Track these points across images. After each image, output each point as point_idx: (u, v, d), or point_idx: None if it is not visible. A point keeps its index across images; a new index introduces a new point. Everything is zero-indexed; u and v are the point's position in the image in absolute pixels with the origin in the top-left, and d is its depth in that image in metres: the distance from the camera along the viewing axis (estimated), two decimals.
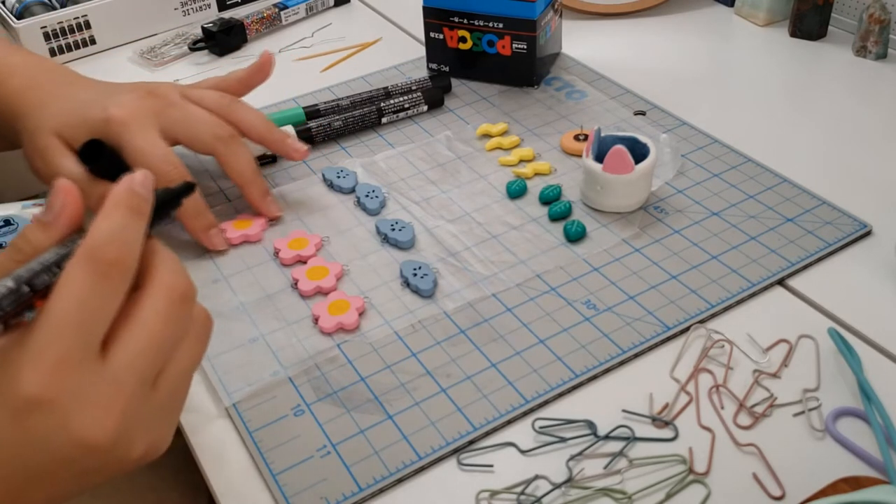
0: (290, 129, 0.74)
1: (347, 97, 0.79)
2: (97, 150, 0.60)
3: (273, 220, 0.67)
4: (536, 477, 0.47)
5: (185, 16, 0.98)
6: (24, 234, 0.39)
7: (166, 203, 0.41)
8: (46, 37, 0.90)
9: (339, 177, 0.70)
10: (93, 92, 0.63)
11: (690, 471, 0.47)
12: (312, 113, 0.77)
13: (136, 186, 0.39)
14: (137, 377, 0.38)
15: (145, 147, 0.60)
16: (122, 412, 0.37)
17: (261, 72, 0.70)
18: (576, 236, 0.63)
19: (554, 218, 0.65)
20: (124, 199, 0.38)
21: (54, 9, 0.93)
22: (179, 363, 0.40)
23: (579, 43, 0.89)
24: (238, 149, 0.64)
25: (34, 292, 0.36)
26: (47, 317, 0.36)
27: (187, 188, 0.43)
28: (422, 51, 0.86)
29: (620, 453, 0.48)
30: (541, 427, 0.50)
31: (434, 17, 0.81)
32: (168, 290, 0.39)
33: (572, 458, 0.48)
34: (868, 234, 0.63)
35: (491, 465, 0.49)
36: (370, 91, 0.79)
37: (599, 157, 0.64)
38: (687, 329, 0.56)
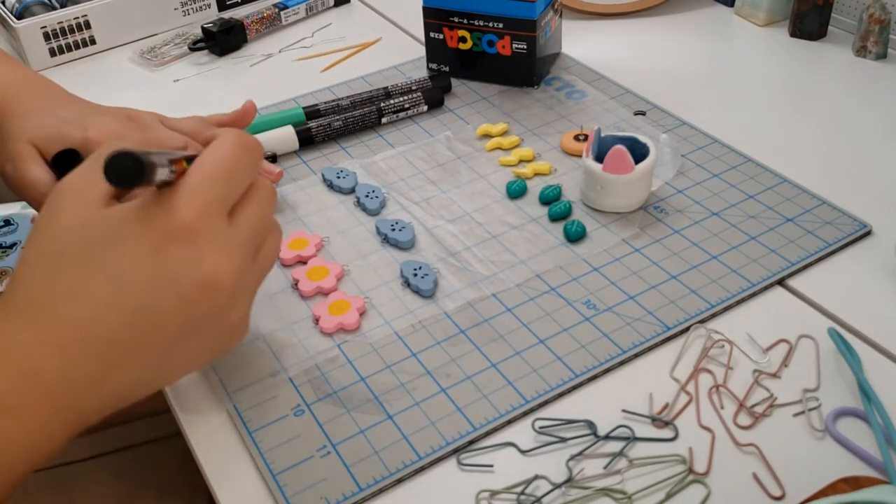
0: (289, 128, 0.74)
1: (347, 97, 0.79)
2: (71, 159, 0.60)
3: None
4: (536, 477, 0.47)
5: (185, 16, 0.98)
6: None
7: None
8: (46, 37, 0.90)
9: (338, 177, 0.70)
10: (74, 110, 0.63)
11: (690, 471, 0.47)
12: (312, 113, 0.77)
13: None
14: (252, 243, 0.46)
15: None
16: (240, 265, 0.44)
17: (241, 119, 0.70)
18: (576, 236, 0.63)
19: (554, 218, 0.65)
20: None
21: (54, 9, 0.93)
22: (269, 247, 0.48)
23: (579, 43, 0.89)
24: None
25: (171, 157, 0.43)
26: (202, 166, 0.43)
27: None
28: (422, 51, 0.86)
29: (620, 453, 0.48)
30: (541, 427, 0.50)
31: (434, 17, 0.81)
32: (268, 191, 0.48)
33: (572, 458, 0.48)
34: (868, 234, 0.63)
35: (491, 465, 0.49)
36: (370, 91, 0.79)
37: (599, 157, 0.64)
38: (687, 329, 0.56)
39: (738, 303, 0.58)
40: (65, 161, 0.59)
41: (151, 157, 0.40)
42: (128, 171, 0.39)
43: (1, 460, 0.39)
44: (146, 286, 0.41)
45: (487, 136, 0.75)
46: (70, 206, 0.43)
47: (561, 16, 0.85)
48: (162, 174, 0.41)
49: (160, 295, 0.41)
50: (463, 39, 0.81)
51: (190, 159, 0.44)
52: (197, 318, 0.43)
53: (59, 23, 0.90)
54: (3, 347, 0.40)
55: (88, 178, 0.44)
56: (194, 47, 0.92)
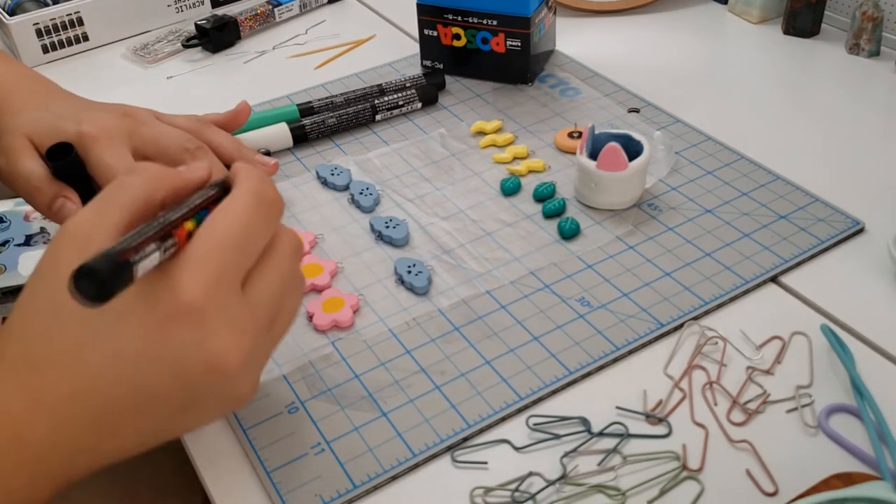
0: (283, 125, 0.74)
1: (341, 94, 0.79)
2: (65, 152, 0.60)
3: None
4: (530, 474, 0.48)
5: (178, 13, 0.97)
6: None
7: None
8: (39, 33, 0.90)
9: (333, 174, 0.70)
10: (69, 106, 0.63)
11: (684, 467, 0.47)
12: (306, 110, 0.77)
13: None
14: (266, 314, 0.41)
15: (112, 164, 0.59)
16: (252, 342, 0.40)
17: (235, 119, 0.70)
18: (570, 233, 0.63)
19: (548, 215, 0.65)
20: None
21: (47, 5, 0.93)
22: (287, 313, 0.44)
23: (573, 40, 0.89)
24: (207, 154, 0.63)
25: (170, 223, 0.38)
26: (213, 232, 0.39)
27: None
28: (416, 48, 0.86)
29: (614, 450, 0.49)
30: (535, 424, 0.50)
31: (428, 14, 0.81)
32: (291, 245, 0.43)
33: (566, 454, 0.48)
34: (861, 231, 0.63)
35: (485, 463, 0.49)
36: (364, 88, 0.79)
37: (593, 155, 0.65)
38: (680, 326, 0.56)
39: (732, 300, 0.58)
40: (59, 155, 0.59)
41: (130, 251, 0.35)
42: (97, 288, 0.33)
43: None
44: (146, 363, 0.38)
45: (481, 133, 0.75)
46: (72, 257, 0.38)
47: (555, 13, 0.85)
48: (150, 262, 0.36)
49: (161, 374, 0.39)
50: (457, 37, 0.81)
51: (199, 214, 0.40)
52: (199, 395, 0.40)
53: (51, 19, 0.90)
54: None
55: (93, 223, 0.40)
56: (188, 44, 0.91)
